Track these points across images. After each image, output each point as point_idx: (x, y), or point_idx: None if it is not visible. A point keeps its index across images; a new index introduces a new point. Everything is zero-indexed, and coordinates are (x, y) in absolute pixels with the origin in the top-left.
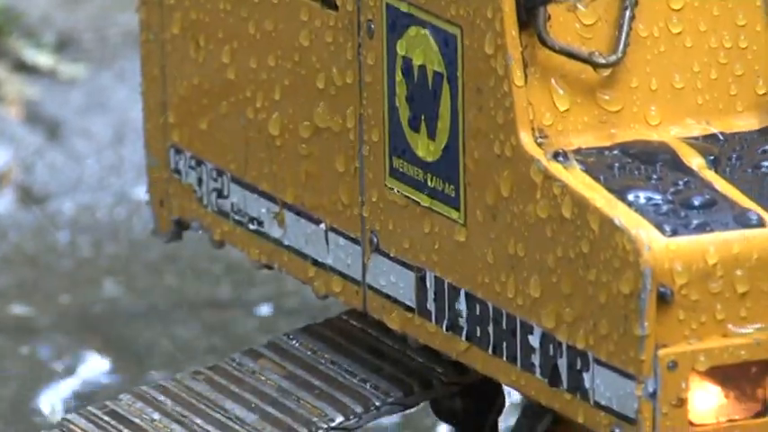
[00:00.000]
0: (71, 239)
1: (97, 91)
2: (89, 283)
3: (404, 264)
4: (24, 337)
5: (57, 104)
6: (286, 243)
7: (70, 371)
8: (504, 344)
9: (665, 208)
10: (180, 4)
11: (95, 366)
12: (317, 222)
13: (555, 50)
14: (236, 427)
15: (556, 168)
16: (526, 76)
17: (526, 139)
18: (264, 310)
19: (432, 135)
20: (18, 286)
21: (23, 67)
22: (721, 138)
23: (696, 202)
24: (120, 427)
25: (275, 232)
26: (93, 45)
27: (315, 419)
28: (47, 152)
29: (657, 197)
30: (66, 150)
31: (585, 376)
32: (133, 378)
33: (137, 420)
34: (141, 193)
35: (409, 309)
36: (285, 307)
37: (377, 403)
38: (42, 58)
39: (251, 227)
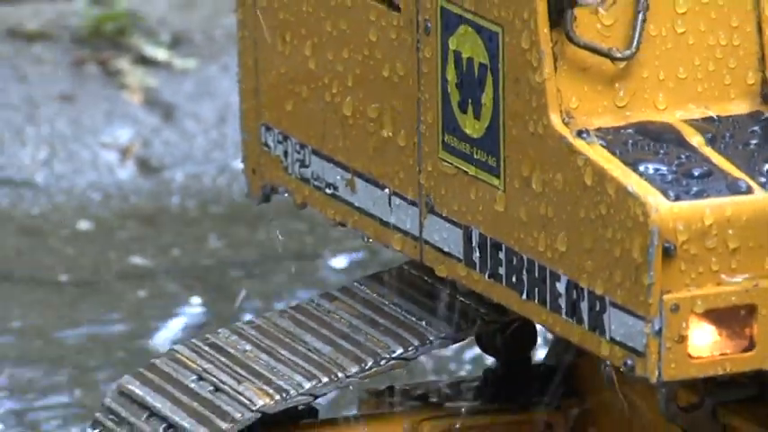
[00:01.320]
0: (181, 202)
1: (205, 81)
2: (196, 239)
3: (454, 222)
4: (142, 283)
5: (171, 92)
6: (357, 205)
7: (179, 311)
8: (536, 289)
9: (669, 177)
10: (270, 7)
11: (199, 307)
12: (383, 188)
13: (580, 46)
14: (314, 357)
15: (580, 144)
16: (556, 68)
17: (555, 120)
18: (339, 261)
19: (477, 116)
20: (137, 241)
21: (144, 61)
22: (717, 120)
23: (696, 173)
24: (218, 355)
25: (348, 196)
26: (202, 43)
27: (379, 351)
28: (162, 131)
29: (664, 168)
30: (179, 129)
31: (603, 317)
32: (230, 317)
33: (231, 351)
34: (239, 164)
35: (458, 260)
36: (356, 258)
37: (431, 338)
38: (160, 53)
39: (327, 191)
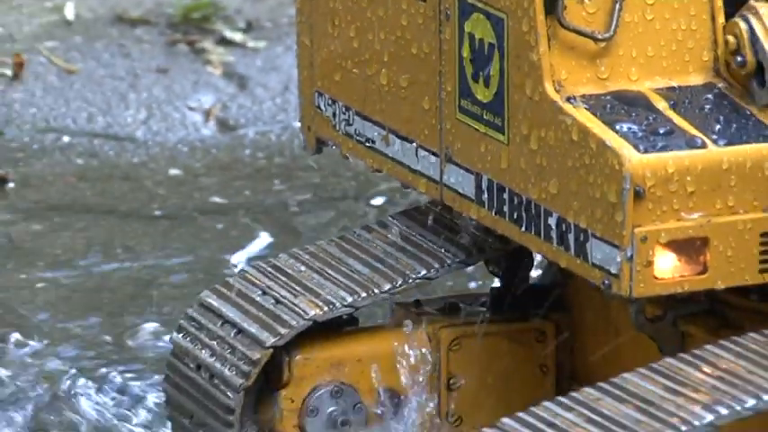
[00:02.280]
0: (252, 154)
1: (272, 58)
2: (264, 183)
3: (467, 170)
4: (220, 218)
5: (245, 66)
6: (390, 155)
7: (250, 241)
8: (533, 223)
9: (640, 134)
10: None
11: (266, 238)
12: (411, 142)
13: (569, 29)
14: (355, 276)
15: (568, 108)
16: (549, 47)
17: (549, 88)
18: (377, 200)
19: (487, 84)
20: (218, 184)
21: (224, 42)
22: (678, 89)
23: (661, 131)
24: (278, 275)
25: (383, 148)
26: (270, 28)
27: (407, 272)
28: (238, 97)
29: (635, 127)
30: (251, 96)
31: (586, 245)
32: (290, 246)
33: (289, 270)
34: (298, 124)
35: (470, 200)
36: (391, 199)
37: (449, 262)
38: (236, 36)
39: (367, 144)
